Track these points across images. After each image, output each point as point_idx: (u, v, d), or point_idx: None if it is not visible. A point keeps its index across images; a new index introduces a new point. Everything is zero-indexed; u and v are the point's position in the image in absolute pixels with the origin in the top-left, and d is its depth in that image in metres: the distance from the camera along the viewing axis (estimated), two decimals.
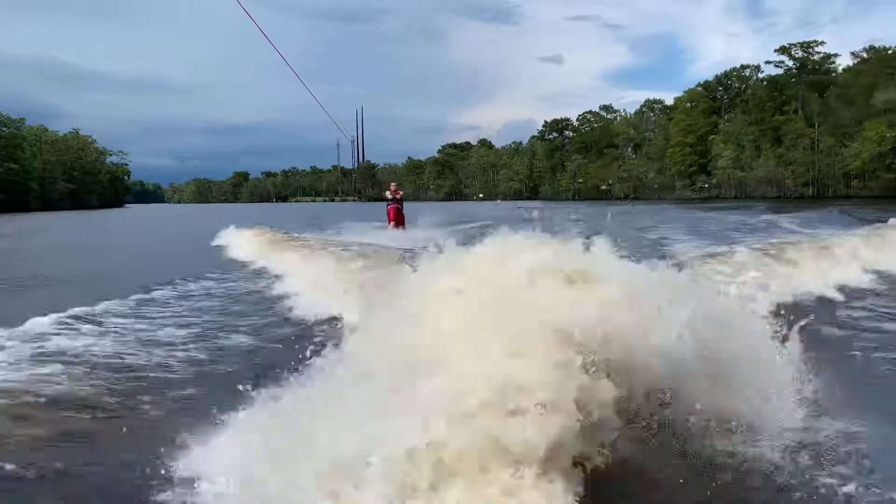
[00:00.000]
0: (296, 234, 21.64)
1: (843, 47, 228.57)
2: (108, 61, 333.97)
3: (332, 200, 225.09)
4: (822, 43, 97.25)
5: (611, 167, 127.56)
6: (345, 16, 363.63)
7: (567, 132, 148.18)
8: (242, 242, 20.64)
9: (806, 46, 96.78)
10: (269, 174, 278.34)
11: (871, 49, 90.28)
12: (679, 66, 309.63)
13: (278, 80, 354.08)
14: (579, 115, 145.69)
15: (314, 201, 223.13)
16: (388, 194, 24.52)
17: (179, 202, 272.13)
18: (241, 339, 8.26)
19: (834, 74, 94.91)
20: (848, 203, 57.64)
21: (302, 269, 13.29)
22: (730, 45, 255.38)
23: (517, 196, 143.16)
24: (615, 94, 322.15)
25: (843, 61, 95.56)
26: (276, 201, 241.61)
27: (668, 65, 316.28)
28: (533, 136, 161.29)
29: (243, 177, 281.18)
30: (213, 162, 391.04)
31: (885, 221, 19.67)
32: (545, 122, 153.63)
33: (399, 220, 24.22)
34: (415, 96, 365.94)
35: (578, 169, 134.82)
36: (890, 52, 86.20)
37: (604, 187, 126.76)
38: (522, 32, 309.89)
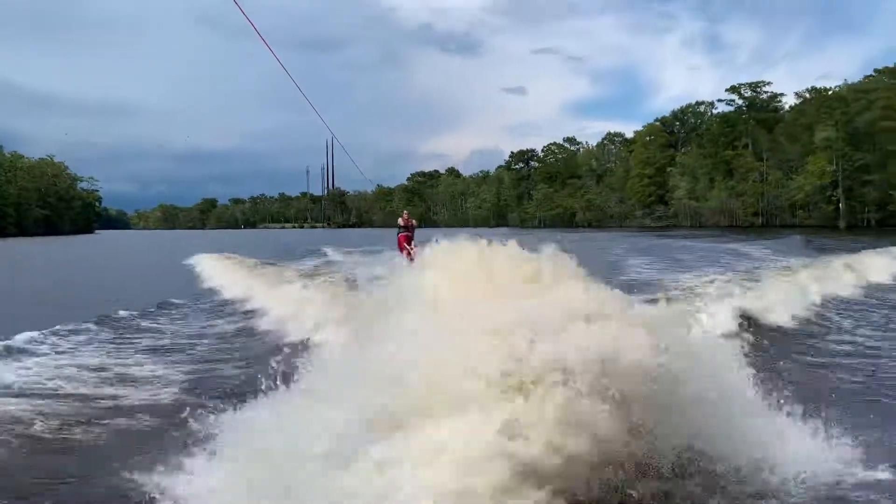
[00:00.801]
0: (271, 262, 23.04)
1: (796, 81, 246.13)
2: (69, 85, 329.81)
3: (302, 227, 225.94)
4: (769, 83, 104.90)
5: (575, 196, 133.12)
6: (314, 44, 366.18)
7: (533, 162, 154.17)
8: (226, 274, 20.89)
9: (755, 86, 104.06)
10: (237, 201, 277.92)
11: (813, 90, 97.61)
12: (640, 97, 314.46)
13: (244, 107, 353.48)
14: (544, 147, 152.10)
15: (283, 228, 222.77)
16: (399, 221, 24.13)
17: (145, 228, 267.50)
18: (215, 366, 8.83)
19: (780, 112, 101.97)
20: (793, 231, 62.64)
21: (272, 297, 13.83)
22: (689, 78, 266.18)
23: (485, 223, 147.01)
24: (578, 125, 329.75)
25: (790, 100, 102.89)
26: (244, 227, 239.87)
27: (630, 96, 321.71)
28: (500, 166, 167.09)
29: (211, 203, 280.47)
30: (177, 188, 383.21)
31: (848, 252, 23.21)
32: (512, 152, 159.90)
33: (408, 249, 24.17)
34: (382, 124, 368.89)
35: (544, 198, 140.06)
36: (830, 92, 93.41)
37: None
38: (487, 64, 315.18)
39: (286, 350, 7.60)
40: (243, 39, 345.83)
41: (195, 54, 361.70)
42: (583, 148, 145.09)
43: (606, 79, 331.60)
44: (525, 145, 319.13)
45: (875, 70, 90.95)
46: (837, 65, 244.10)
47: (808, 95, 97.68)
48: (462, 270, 5.40)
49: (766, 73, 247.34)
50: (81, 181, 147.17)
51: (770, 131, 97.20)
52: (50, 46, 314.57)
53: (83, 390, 7.60)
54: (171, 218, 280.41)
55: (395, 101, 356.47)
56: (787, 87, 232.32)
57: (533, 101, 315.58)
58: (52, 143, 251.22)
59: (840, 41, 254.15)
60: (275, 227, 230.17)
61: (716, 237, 53.10)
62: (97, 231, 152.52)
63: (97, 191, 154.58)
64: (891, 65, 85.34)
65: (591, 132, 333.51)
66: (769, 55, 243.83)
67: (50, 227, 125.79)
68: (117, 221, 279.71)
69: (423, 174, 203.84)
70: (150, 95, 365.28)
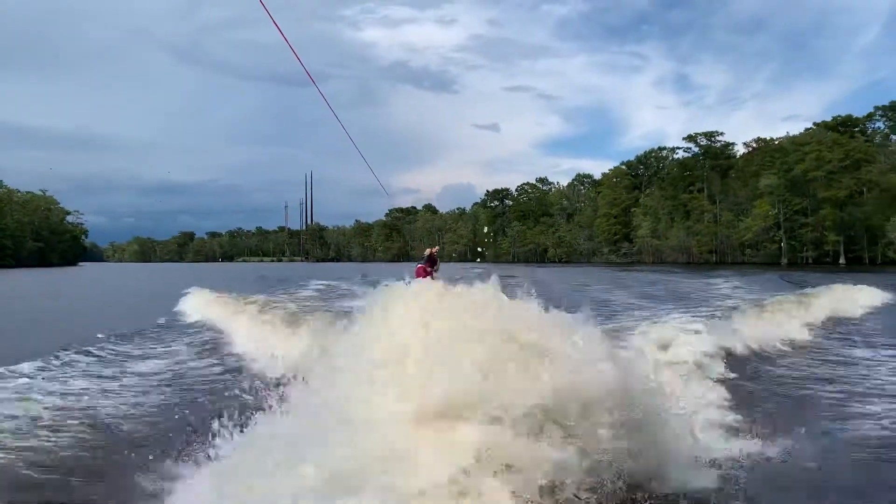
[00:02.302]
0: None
1: (763, 121, 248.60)
2: (39, 117, 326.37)
3: (280, 261, 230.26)
4: (722, 133, 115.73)
5: (546, 234, 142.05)
6: (290, 80, 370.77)
7: (507, 201, 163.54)
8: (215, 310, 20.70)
9: (709, 135, 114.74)
10: (213, 234, 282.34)
11: (759, 140, 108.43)
12: (611, 135, 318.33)
13: (218, 141, 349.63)
14: (518, 186, 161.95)
15: (262, 261, 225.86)
16: (426, 252, 23.69)
17: (120, 261, 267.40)
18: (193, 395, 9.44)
19: (732, 159, 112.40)
20: (742, 267, 71.01)
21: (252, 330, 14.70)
22: (659, 117, 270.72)
23: (462, 258, 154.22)
24: (550, 162, 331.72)
25: (740, 149, 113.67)
26: (222, 261, 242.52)
27: (601, 134, 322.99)
28: (476, 203, 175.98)
29: (189, 236, 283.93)
30: (147, 221, 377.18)
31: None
32: (487, 191, 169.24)
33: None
34: (357, 159, 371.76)
35: (518, 234, 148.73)
36: (777, 142, 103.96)
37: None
38: (461, 101, 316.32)
39: (246, 395, 8.39)
40: (217, 73, 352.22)
41: (169, 87, 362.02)
42: (554, 188, 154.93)
43: (578, 117, 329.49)
44: (497, 181, 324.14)
45: (814, 123, 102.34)
46: (803, 106, 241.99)
47: (755, 145, 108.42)
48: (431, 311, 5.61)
49: (733, 114, 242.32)
50: (70, 214, 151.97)
51: (723, 177, 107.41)
52: (21, 77, 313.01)
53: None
54: (147, 251, 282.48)
55: (369, 137, 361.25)
56: (754, 126, 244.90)
57: (506, 138, 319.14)
58: (21, 175, 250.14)
59: (806, 83, 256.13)
60: (253, 261, 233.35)
61: (675, 273, 60.49)
62: (80, 263, 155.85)
63: (82, 224, 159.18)
64: (842, 113, 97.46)
65: (562, 169, 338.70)
66: (737, 96, 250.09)
67: (42, 258, 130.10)
68: (90, 254, 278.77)
69: (400, 210, 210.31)
70: (121, 128, 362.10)
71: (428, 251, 24.19)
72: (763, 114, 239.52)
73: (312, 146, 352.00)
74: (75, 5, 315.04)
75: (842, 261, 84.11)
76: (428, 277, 20.81)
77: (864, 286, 25.06)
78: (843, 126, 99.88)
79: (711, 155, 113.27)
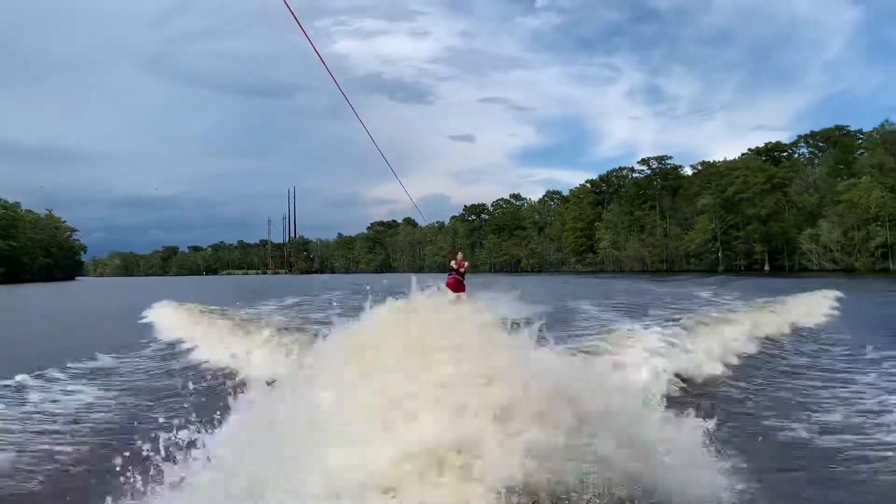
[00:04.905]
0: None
1: (731, 132, 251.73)
2: (5, 129, 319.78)
3: (265, 273, 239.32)
4: (671, 157, 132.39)
5: (520, 245, 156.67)
6: (263, 91, 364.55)
7: (483, 215, 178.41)
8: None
9: (660, 159, 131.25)
10: (196, 248, 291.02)
11: (703, 163, 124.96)
12: (584, 146, 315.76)
13: (189, 153, 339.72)
14: (493, 202, 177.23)
15: (246, 274, 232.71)
16: (452, 264, 23.66)
17: (101, 276, 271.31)
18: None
19: (681, 179, 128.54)
20: (688, 275, 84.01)
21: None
22: (631, 128, 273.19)
23: (441, 269, 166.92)
24: (524, 172, 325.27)
25: (687, 171, 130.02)
26: (206, 274, 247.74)
27: (574, 145, 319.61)
28: (454, 217, 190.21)
29: (172, 251, 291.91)
30: (118, 234, 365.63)
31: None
32: (465, 206, 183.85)
33: (458, 292, 22.33)
34: (332, 170, 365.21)
35: (494, 246, 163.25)
36: (720, 164, 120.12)
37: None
38: (435, 112, 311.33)
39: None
40: (188, 85, 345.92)
41: (139, 99, 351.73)
42: (527, 203, 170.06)
43: (551, 128, 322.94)
44: (472, 192, 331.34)
45: (749, 149, 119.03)
46: (771, 116, 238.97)
47: (699, 168, 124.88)
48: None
49: (704, 124, 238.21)
50: (75, 232, 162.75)
51: (673, 195, 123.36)
52: None
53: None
54: (130, 265, 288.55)
55: (344, 148, 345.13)
56: (724, 136, 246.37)
57: (480, 149, 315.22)
58: None
59: (773, 94, 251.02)
60: (237, 274, 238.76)
61: (631, 279, 74.83)
62: (77, 278, 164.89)
63: (79, 240, 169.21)
64: (806, 125, 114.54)
65: (537, 179, 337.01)
66: (706, 106, 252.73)
67: (49, 274, 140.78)
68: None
69: (381, 223, 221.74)
70: (90, 140, 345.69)
71: (456, 262, 23.78)
72: (732, 124, 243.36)
73: (287, 158, 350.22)
74: (43, 15, 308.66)
75: (766, 268, 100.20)
76: (462, 294, 20.24)
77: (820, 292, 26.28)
78: (773, 151, 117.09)
79: (662, 175, 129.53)
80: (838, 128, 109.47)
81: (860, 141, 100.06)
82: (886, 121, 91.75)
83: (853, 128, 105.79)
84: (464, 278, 23.58)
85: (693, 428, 5.42)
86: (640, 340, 12.92)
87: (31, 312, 40.63)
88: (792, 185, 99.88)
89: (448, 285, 22.32)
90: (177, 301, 25.33)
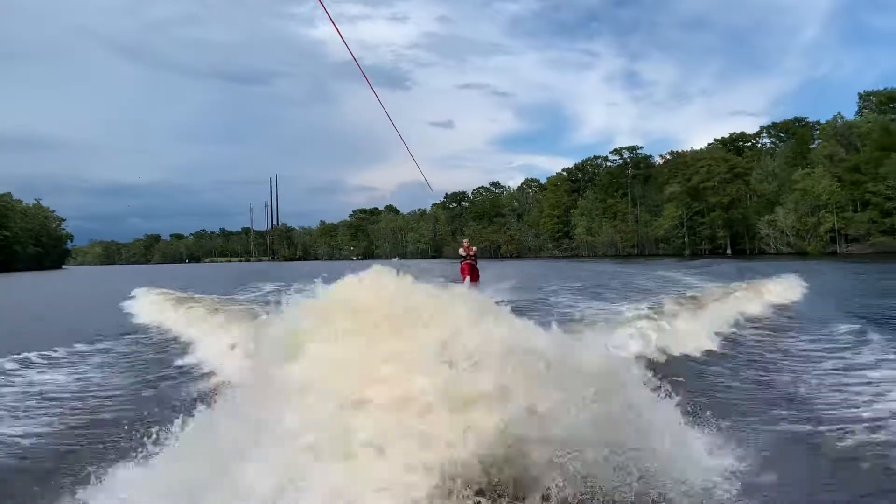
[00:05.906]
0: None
1: (710, 116, 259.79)
2: None
3: (248, 261, 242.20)
4: (642, 147, 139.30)
5: (499, 232, 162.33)
6: (240, 77, 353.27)
7: (464, 203, 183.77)
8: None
9: (631, 149, 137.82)
10: (178, 236, 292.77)
11: (672, 153, 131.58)
12: (564, 132, 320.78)
13: (167, 141, 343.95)
14: (474, 190, 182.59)
15: (230, 261, 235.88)
16: (461, 251, 23.34)
17: (83, 264, 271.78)
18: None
19: (652, 168, 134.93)
20: (657, 259, 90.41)
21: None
22: (610, 113, 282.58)
23: (423, 256, 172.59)
24: (504, 158, 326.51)
25: (657, 160, 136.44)
26: (189, 262, 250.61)
27: (554, 130, 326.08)
28: (435, 204, 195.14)
29: (154, 238, 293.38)
30: (96, 223, 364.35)
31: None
32: (446, 193, 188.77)
33: (473, 277, 22.56)
34: (312, 157, 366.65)
35: (474, 233, 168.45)
36: (687, 154, 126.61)
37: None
38: (414, 98, 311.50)
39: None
40: (165, 71, 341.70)
41: (115, 86, 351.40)
42: (506, 191, 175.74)
43: (531, 113, 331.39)
44: (452, 177, 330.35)
45: (714, 139, 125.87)
46: (749, 101, 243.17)
47: (669, 157, 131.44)
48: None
49: (682, 109, 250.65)
50: (64, 222, 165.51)
51: (643, 183, 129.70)
52: None
53: None
54: (112, 254, 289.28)
55: (324, 134, 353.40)
56: (703, 121, 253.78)
57: (460, 135, 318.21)
58: None
59: (750, 79, 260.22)
60: (221, 261, 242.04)
61: (606, 262, 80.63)
62: (64, 267, 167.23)
63: (65, 230, 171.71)
64: (785, 110, 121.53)
65: (516, 165, 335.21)
66: (684, 92, 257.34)
67: (38, 263, 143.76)
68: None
69: (364, 211, 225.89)
70: (67, 128, 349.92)
71: (463, 249, 23.43)
72: (710, 109, 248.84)
73: (267, 145, 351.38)
74: (15, 1, 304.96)
75: (728, 251, 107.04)
76: (477, 284, 19.51)
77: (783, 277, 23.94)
78: (739, 140, 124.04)
79: (634, 164, 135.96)
80: (797, 119, 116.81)
81: (817, 132, 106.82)
82: (839, 114, 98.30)
83: (821, 119, 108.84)
84: (476, 262, 23.70)
85: (673, 408, 5.31)
86: (618, 322, 12.92)
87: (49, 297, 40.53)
88: (752, 174, 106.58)
89: (462, 271, 22.60)
90: (167, 289, 24.69)
